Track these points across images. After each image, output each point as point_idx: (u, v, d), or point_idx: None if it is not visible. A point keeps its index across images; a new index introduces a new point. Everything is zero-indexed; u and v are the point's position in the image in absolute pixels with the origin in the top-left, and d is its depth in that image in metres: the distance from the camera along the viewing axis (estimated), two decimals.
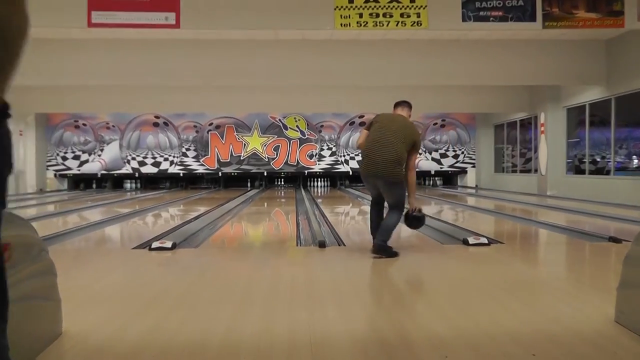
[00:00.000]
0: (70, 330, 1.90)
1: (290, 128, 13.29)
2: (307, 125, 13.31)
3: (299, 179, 13.71)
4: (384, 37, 8.08)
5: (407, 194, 3.64)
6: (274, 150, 13.26)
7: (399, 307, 2.36)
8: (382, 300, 2.54)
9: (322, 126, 13.36)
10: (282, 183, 14.16)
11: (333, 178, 13.72)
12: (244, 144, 13.20)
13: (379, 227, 3.57)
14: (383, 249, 3.49)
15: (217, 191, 12.42)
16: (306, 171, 13.36)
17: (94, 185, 13.31)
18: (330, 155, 13.38)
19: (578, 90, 9.64)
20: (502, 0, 6.65)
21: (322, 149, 13.36)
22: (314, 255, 3.67)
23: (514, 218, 6.01)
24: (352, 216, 6.73)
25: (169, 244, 3.80)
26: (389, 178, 3.53)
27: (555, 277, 3.06)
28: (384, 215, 3.74)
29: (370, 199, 3.87)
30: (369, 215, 3.86)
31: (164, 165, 13.17)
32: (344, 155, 13.39)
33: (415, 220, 3.76)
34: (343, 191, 12.00)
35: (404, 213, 3.62)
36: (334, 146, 13.36)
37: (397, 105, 3.86)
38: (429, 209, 7.79)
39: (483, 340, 1.82)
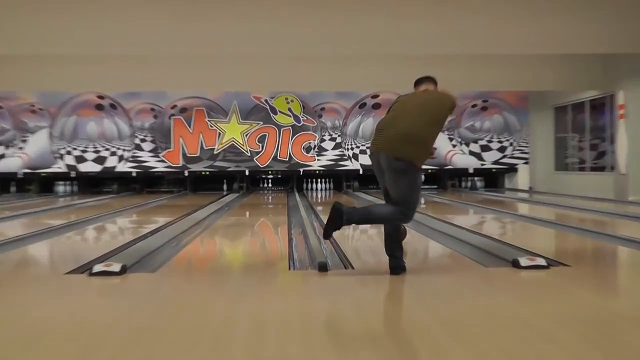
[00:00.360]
0: None
1: (280, 112, 13.29)
2: (303, 108, 13.31)
3: (292, 179, 13.70)
4: None
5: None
6: (259, 141, 13.26)
7: (428, 354, 2.32)
8: (406, 344, 2.50)
9: (322, 109, 13.36)
10: (270, 185, 14.13)
11: (337, 178, 13.72)
12: (219, 134, 13.20)
13: (375, 207, 3.68)
14: (335, 214, 3.52)
15: (183, 196, 12.38)
16: (302, 169, 13.36)
17: (13, 188, 13.28)
18: (333, 148, 13.38)
19: None
20: None
21: (322, 140, 13.35)
22: (312, 282, 3.66)
23: (582, 232, 5.98)
24: (363, 229, 6.70)
25: (116, 268, 3.79)
26: (394, 161, 3.50)
27: None
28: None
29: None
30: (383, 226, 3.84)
31: (111, 162, 13.17)
32: (352, 148, 13.38)
33: None
34: (351, 196, 11.97)
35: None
36: (339, 136, 13.36)
37: (418, 83, 3.91)
38: (466, 219, 7.74)
39: None
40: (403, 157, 3.50)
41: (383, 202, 3.84)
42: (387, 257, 3.76)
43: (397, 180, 3.53)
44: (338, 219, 3.52)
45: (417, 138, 3.52)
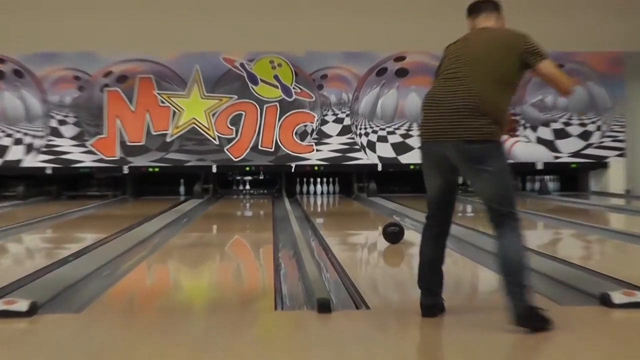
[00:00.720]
0: None
1: (263, 81, 13.29)
2: (296, 75, 13.29)
3: (279, 179, 13.67)
4: None
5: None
6: (232, 124, 13.25)
7: None
8: None
9: (324, 77, 13.35)
10: (248, 187, 14.08)
11: (345, 177, 13.72)
12: (174, 113, 13.18)
13: (502, 268, 3.49)
14: (529, 315, 3.38)
15: (121, 203, 12.32)
16: (293, 164, 13.34)
17: None
18: (340, 134, 13.37)
19: None
20: None
21: (324, 122, 13.34)
22: (309, 327, 3.66)
23: None
24: (382, 252, 6.68)
25: (22, 306, 3.79)
26: (469, 146, 3.45)
27: None
28: (444, 247, 3.72)
29: (426, 216, 3.82)
30: (418, 249, 3.82)
31: (14, 154, 13.16)
32: (367, 133, 13.37)
33: (391, 237, 6.37)
34: (364, 202, 11.95)
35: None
36: (348, 116, 13.35)
37: (474, 12, 3.80)
38: (532, 237, 7.68)
39: None
40: (479, 136, 3.45)
41: (421, 212, 3.82)
42: (419, 292, 3.75)
43: (483, 171, 3.48)
44: (529, 315, 3.38)
45: (487, 107, 3.46)
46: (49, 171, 13.14)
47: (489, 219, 3.57)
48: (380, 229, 6.96)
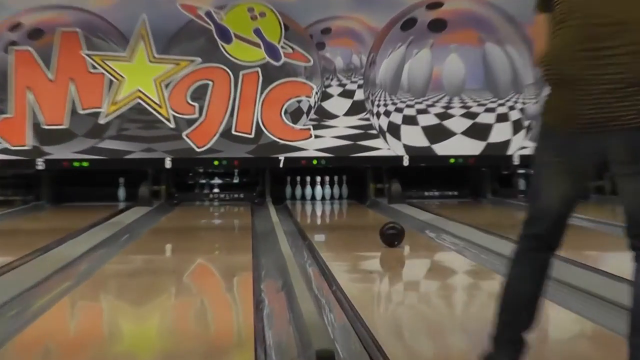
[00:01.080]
0: None
1: (238, 38, 13.31)
2: (286, 29, 13.31)
3: (261, 178, 13.76)
4: None
5: None
6: (194, 98, 13.26)
7: None
8: None
9: (325, 32, 13.36)
10: (217, 191, 14.12)
11: (357, 177, 13.85)
12: (111, 82, 13.19)
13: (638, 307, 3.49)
14: None
15: (33, 212, 12.34)
16: (282, 157, 13.35)
17: None
18: (348, 113, 13.38)
19: None
20: None
21: (326, 93, 13.34)
22: None
23: None
24: (408, 283, 6.71)
25: None
26: None
27: None
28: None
29: (528, 234, 3.71)
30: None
31: None
32: (388, 112, 13.37)
33: (390, 238, 7.62)
34: (384, 211, 12.02)
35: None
36: (360, 86, 13.36)
37: None
38: (622, 258, 7.69)
39: None
40: None
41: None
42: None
43: None
44: None
45: None
46: None
47: (631, 237, 3.56)
48: (408, 250, 7.01)
